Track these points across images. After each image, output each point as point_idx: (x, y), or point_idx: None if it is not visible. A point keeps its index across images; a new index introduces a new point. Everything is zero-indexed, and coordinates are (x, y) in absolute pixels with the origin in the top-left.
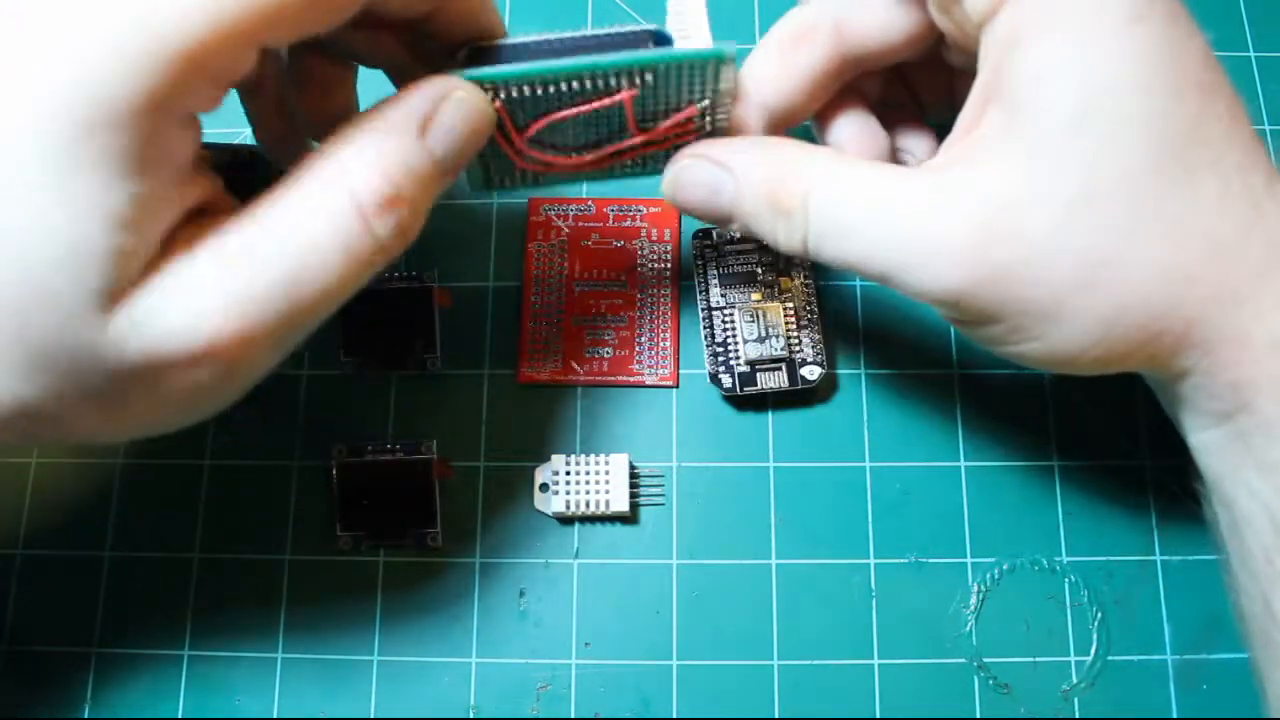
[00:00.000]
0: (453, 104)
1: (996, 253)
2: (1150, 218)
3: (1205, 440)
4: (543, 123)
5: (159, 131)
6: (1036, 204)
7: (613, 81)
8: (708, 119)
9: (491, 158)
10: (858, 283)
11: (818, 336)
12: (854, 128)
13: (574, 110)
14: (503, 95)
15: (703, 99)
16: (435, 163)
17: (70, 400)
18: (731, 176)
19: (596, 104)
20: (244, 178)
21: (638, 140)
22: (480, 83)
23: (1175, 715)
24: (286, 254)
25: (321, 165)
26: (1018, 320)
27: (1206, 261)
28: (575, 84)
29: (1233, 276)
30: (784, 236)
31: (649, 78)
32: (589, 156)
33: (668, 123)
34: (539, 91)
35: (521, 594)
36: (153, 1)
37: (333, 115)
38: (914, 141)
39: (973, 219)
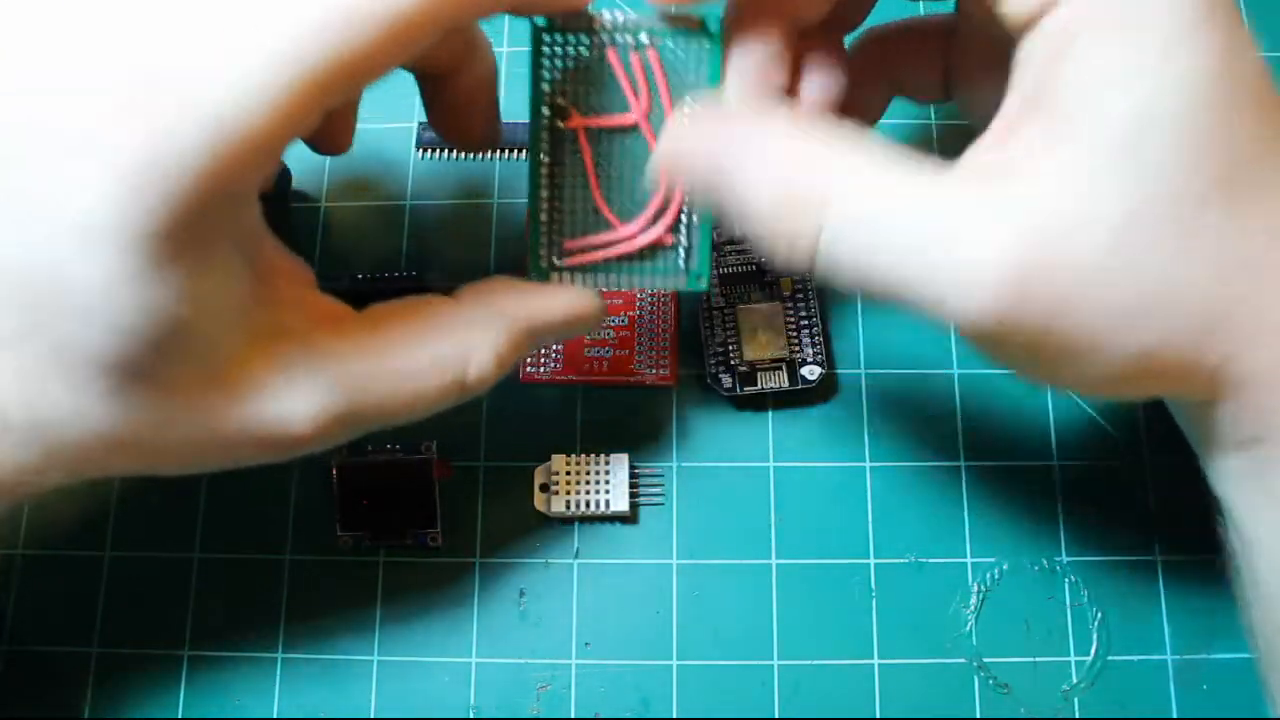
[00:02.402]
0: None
1: (1040, 284)
2: (1198, 245)
3: (1224, 467)
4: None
5: (224, 208)
6: (1085, 229)
7: (553, 109)
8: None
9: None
10: None
11: (818, 336)
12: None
13: (588, 163)
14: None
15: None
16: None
17: (162, 435)
18: (742, 156)
19: (604, 119)
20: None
21: (638, 118)
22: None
23: (1175, 715)
24: (392, 393)
25: (451, 332)
26: (1053, 354)
27: (1251, 294)
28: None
29: (1275, 309)
30: (786, 243)
31: (556, 75)
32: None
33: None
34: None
35: (521, 594)
36: (219, 94)
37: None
38: (818, 80)
39: (1015, 244)
